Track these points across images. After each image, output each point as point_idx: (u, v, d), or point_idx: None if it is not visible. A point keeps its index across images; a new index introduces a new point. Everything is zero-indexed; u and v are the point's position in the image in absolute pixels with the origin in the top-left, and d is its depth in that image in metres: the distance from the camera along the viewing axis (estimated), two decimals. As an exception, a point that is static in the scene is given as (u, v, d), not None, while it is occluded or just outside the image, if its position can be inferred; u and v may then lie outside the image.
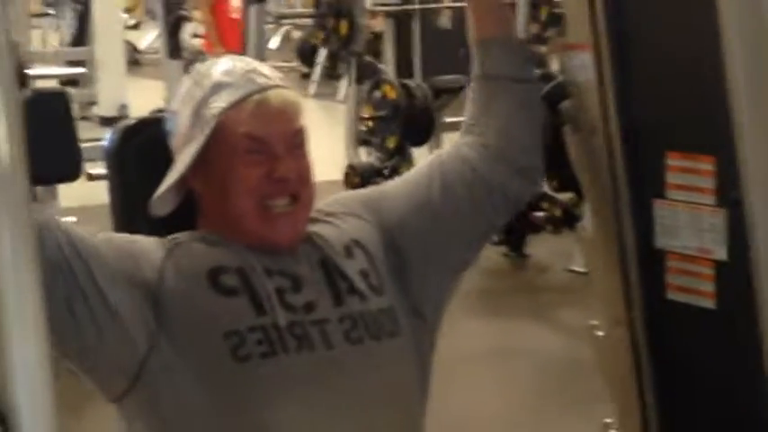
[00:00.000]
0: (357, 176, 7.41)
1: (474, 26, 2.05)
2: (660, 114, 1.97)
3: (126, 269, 1.75)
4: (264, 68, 1.89)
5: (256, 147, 1.81)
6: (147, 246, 1.81)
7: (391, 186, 2.03)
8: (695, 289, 1.95)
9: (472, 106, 2.04)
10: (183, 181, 1.86)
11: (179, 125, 1.87)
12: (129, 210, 1.99)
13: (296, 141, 1.84)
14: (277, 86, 1.85)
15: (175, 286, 1.76)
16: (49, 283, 1.64)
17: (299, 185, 1.83)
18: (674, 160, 1.94)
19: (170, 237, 1.85)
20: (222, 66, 1.88)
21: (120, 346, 1.73)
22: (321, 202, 2.00)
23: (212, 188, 1.85)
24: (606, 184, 2.01)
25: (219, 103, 1.82)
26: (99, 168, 5.23)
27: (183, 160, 1.84)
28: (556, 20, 6.01)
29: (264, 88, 1.83)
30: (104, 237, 1.81)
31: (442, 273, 1.98)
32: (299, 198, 1.83)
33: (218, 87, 1.84)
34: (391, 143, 7.24)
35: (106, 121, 9.31)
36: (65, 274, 1.69)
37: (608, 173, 2.00)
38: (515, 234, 6.70)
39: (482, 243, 2.05)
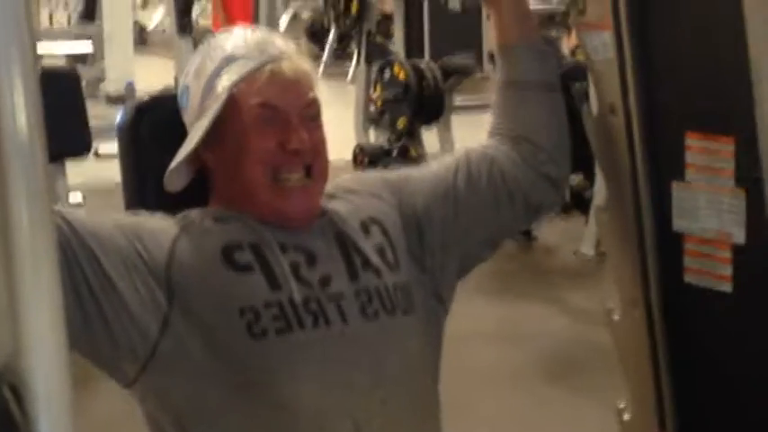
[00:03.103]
0: (366, 157, 7.40)
1: (499, 32, 2.02)
2: (680, 94, 1.95)
3: (135, 252, 1.71)
4: (277, 38, 1.86)
5: (270, 115, 1.78)
6: (157, 225, 1.78)
7: (416, 171, 2.01)
8: (713, 272, 1.93)
9: (498, 113, 2.02)
10: (195, 155, 1.84)
11: (191, 100, 1.85)
12: (141, 186, 1.97)
13: (310, 112, 1.82)
14: (290, 56, 1.82)
15: (187, 266, 1.74)
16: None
17: (312, 157, 1.81)
18: (693, 140, 1.92)
19: (182, 214, 1.83)
20: (233, 37, 1.85)
21: (129, 333, 1.69)
22: (341, 178, 1.98)
23: (225, 161, 1.82)
24: (624, 164, 1.99)
25: (231, 75, 1.80)
26: (107, 147, 5.25)
27: (195, 134, 1.82)
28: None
29: (277, 59, 1.81)
30: (111, 220, 1.76)
31: (458, 262, 1.97)
32: (313, 171, 1.81)
33: (229, 59, 1.81)
34: (401, 124, 7.23)
35: (113, 99, 9.32)
36: (70, 265, 1.64)
37: (627, 153, 1.98)
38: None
39: (498, 243, 2.03)
